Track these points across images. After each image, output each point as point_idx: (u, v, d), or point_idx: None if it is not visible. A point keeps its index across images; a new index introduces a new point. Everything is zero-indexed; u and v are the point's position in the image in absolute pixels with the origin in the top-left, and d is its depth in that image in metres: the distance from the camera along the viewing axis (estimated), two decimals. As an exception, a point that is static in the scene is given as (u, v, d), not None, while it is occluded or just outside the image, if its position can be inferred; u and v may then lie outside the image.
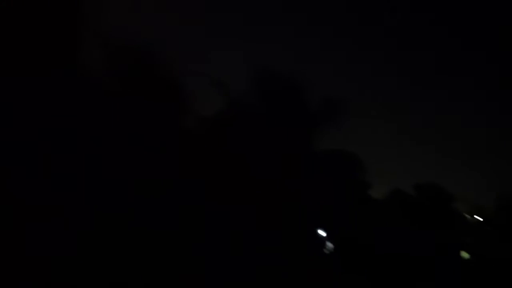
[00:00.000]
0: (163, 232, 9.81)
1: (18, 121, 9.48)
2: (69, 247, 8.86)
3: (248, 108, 13.02)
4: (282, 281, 10.74)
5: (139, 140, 10.63)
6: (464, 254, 18.76)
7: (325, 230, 15.67)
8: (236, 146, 11.68)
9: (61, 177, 9.52)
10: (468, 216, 20.25)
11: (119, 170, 10.13)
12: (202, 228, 10.29)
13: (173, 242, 9.67)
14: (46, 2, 10.40)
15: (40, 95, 9.65)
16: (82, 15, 10.89)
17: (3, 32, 9.84)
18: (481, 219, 19.87)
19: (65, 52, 10.47)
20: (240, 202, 11.52)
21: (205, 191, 10.82)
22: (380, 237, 16.74)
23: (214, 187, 10.94)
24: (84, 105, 10.09)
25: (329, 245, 16.16)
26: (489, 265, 17.46)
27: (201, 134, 11.93)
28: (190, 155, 11.08)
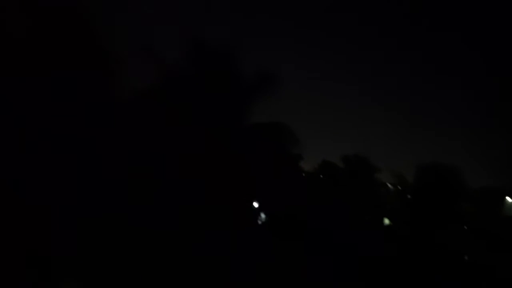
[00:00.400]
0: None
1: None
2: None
3: (181, 80, 12.70)
4: (217, 253, 10.87)
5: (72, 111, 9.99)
6: (386, 221, 20.19)
7: (257, 201, 15.99)
8: (167, 118, 11.38)
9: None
10: (390, 186, 21.70)
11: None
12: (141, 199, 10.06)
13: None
14: None
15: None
16: None
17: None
18: (401, 188, 21.35)
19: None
20: (173, 174, 11.34)
21: (140, 161, 10.51)
22: (309, 209, 17.36)
23: (147, 157, 10.65)
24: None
25: (262, 216, 16.56)
26: (408, 229, 18.91)
27: (134, 105, 11.47)
28: (122, 125, 10.65)
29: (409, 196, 20.46)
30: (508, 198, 21.66)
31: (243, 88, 13.65)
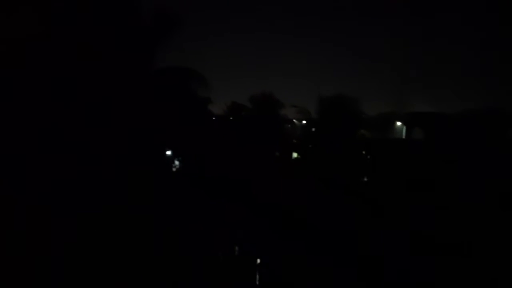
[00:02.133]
0: None
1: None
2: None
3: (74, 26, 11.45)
4: (137, 201, 10.60)
5: None
6: (294, 154, 21.21)
7: (170, 148, 15.67)
8: (65, 69, 10.32)
9: None
10: (296, 121, 22.67)
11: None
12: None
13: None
14: None
15: None
16: None
17: None
18: (305, 122, 22.43)
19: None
20: (78, 129, 10.51)
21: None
22: (220, 153, 17.48)
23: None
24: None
25: (176, 162, 16.35)
26: (313, 159, 20.13)
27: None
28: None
29: (313, 129, 21.58)
30: (398, 123, 23.98)
31: (143, 30, 12.80)
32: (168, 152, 15.84)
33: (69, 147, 9.55)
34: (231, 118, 20.18)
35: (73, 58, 10.52)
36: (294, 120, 22.65)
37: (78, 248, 8.64)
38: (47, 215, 8.50)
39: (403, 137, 24.59)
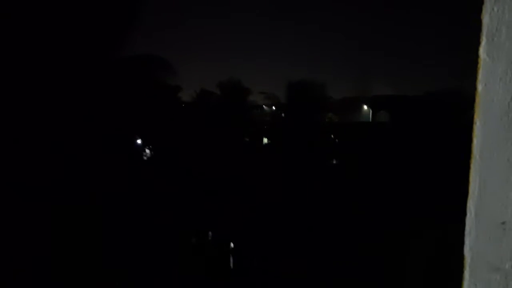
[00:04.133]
0: None
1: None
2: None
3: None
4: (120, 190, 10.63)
5: None
6: (265, 140, 21.51)
7: (140, 138, 15.62)
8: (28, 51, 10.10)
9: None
10: (265, 107, 22.88)
11: None
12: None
13: None
14: None
15: None
16: None
17: None
18: (275, 108, 22.70)
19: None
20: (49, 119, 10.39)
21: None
22: (190, 140, 17.52)
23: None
24: None
25: (147, 151, 16.32)
26: (283, 146, 20.45)
27: None
28: None
29: (283, 115, 21.88)
30: (364, 106, 24.63)
31: (107, 17, 12.60)
32: (139, 141, 15.79)
33: (36, 138, 9.45)
34: (200, 105, 20.18)
35: (35, 43, 10.29)
36: (263, 106, 22.90)
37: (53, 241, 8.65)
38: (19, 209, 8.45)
39: (370, 120, 25.30)
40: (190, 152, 17.21)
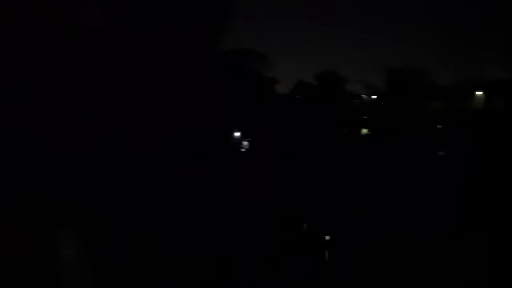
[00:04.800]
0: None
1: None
2: None
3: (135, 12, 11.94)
4: (210, 184, 11.04)
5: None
6: (364, 131, 20.76)
7: (239, 130, 16.05)
8: (130, 53, 10.87)
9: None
10: (364, 96, 22.04)
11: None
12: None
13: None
14: None
15: None
16: None
17: None
18: (375, 97, 21.74)
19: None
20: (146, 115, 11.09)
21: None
22: (289, 132, 17.59)
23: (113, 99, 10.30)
24: None
25: (244, 143, 16.73)
26: (385, 135, 19.58)
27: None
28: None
29: (383, 103, 20.93)
30: (477, 92, 22.39)
31: (204, 14, 13.06)
32: (237, 134, 16.25)
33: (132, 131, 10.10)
34: (297, 97, 20.18)
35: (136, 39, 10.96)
36: (362, 95, 22.08)
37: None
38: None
39: (483, 108, 22.95)
40: (287, 144, 17.29)
